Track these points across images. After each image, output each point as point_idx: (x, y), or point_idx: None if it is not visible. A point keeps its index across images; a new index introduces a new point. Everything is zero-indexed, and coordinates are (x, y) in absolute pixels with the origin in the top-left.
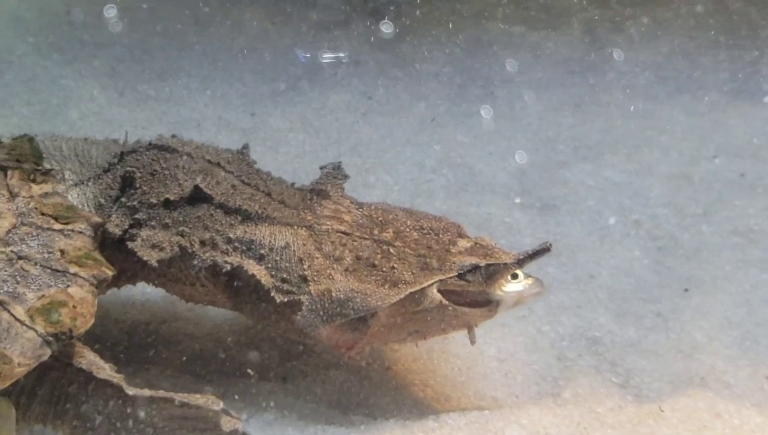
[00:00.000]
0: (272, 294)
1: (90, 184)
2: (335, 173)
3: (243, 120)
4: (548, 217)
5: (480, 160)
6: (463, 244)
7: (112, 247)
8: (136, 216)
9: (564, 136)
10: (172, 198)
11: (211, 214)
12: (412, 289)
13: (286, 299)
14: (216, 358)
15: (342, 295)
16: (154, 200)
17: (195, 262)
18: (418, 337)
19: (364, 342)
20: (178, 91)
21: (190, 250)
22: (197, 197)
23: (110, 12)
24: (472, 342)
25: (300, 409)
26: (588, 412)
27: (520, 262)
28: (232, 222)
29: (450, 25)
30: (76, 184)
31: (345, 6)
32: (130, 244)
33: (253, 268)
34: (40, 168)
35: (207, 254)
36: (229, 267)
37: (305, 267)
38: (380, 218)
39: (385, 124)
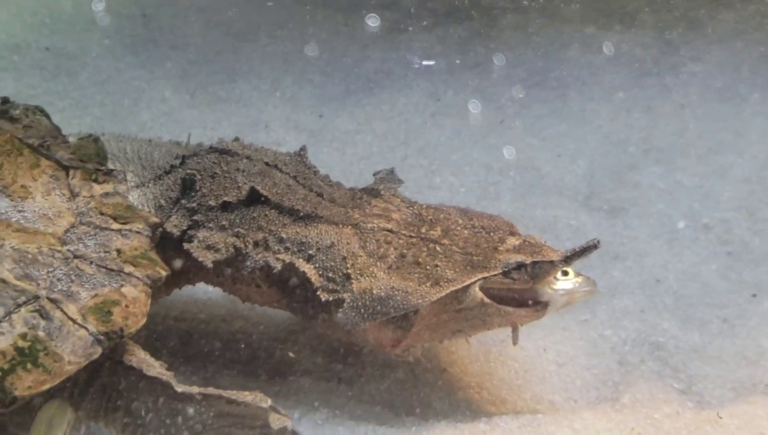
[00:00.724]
0: (319, 293)
1: (150, 185)
2: (389, 178)
3: (311, 121)
4: (616, 220)
5: (548, 163)
6: (511, 241)
7: (173, 248)
8: (195, 217)
9: (635, 139)
10: (230, 200)
11: (266, 215)
12: (454, 288)
13: (331, 298)
14: (272, 357)
15: (383, 293)
16: (212, 202)
17: (248, 262)
18: (461, 335)
19: (409, 340)
20: (248, 92)
21: (244, 251)
22: (253, 199)
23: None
24: (515, 342)
25: (352, 410)
26: (644, 418)
27: (568, 260)
28: (285, 222)
29: (522, 28)
30: (137, 186)
31: (417, 8)
32: (186, 246)
33: (303, 266)
34: (102, 168)
35: (260, 255)
36: (280, 266)
37: (348, 265)
38: (430, 217)
39: (454, 126)
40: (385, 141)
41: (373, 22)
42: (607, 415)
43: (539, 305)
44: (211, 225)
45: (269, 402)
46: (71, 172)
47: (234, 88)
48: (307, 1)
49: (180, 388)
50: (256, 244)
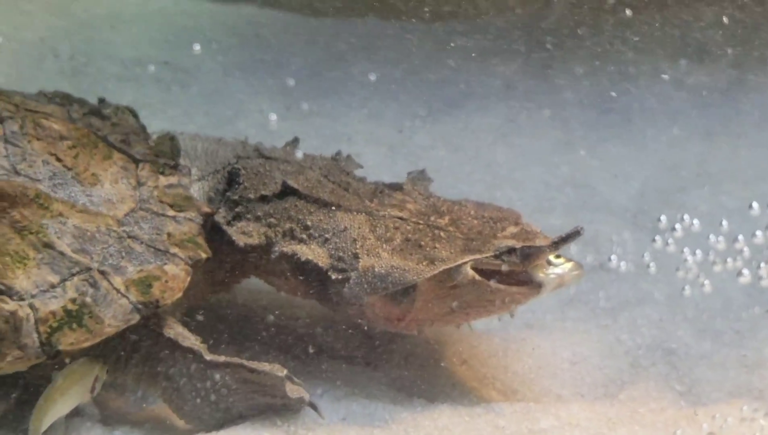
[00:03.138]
0: (329, 273)
1: (208, 179)
2: (420, 177)
3: (391, 136)
4: (656, 237)
5: (603, 182)
6: (510, 229)
7: (228, 244)
8: (237, 209)
9: (689, 163)
10: (266, 193)
11: (295, 205)
12: (446, 266)
13: (340, 277)
14: (304, 342)
15: (383, 270)
16: (251, 195)
17: (275, 249)
18: (463, 314)
19: (413, 315)
20: (338, 108)
21: (273, 240)
22: (286, 192)
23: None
24: (512, 315)
25: (369, 390)
26: (627, 411)
27: (555, 245)
28: (311, 210)
29: (596, 57)
30: (198, 179)
31: (501, 37)
32: (227, 229)
33: (316, 250)
34: (170, 163)
35: (286, 243)
36: (290, 252)
37: (357, 246)
38: (443, 208)
39: (522, 145)
40: (455, 156)
41: None
42: (593, 407)
43: (533, 285)
44: (248, 215)
45: (285, 372)
46: (140, 164)
47: (325, 103)
48: (400, 27)
49: (209, 357)
50: (284, 234)
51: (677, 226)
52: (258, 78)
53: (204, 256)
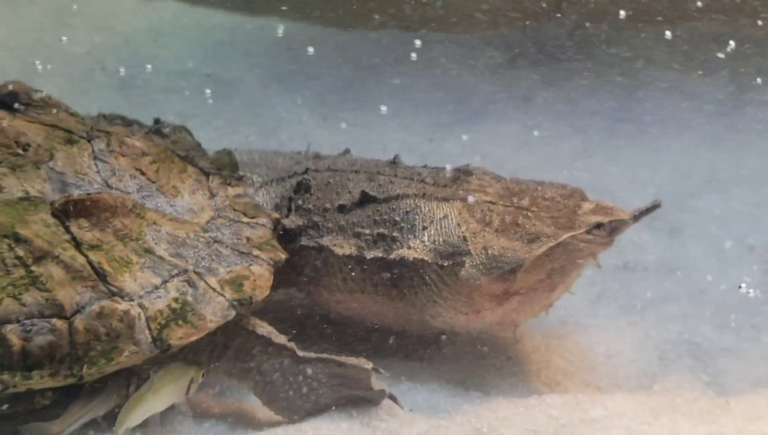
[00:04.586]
0: (437, 261)
1: (273, 185)
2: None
3: (422, 145)
4: (673, 239)
5: (622, 187)
6: (587, 206)
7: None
8: (314, 219)
9: (699, 170)
10: (344, 203)
11: (378, 210)
12: (553, 243)
13: (450, 262)
14: (370, 341)
15: (497, 252)
16: (328, 205)
17: (368, 255)
18: (550, 281)
19: (514, 289)
20: (372, 118)
21: (364, 248)
22: (365, 201)
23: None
24: (599, 265)
25: (430, 384)
26: (666, 401)
27: (636, 218)
28: (395, 207)
29: (613, 67)
30: (261, 186)
31: (522, 48)
32: (322, 240)
33: (414, 244)
34: (235, 175)
35: (376, 248)
36: (396, 257)
37: (463, 230)
38: (516, 189)
39: (544, 153)
40: (484, 163)
41: None
42: (635, 398)
43: (609, 239)
44: (330, 225)
45: (371, 365)
46: (211, 177)
47: (360, 114)
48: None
49: (301, 353)
50: (375, 241)
51: (692, 229)
52: (295, 90)
53: (283, 257)
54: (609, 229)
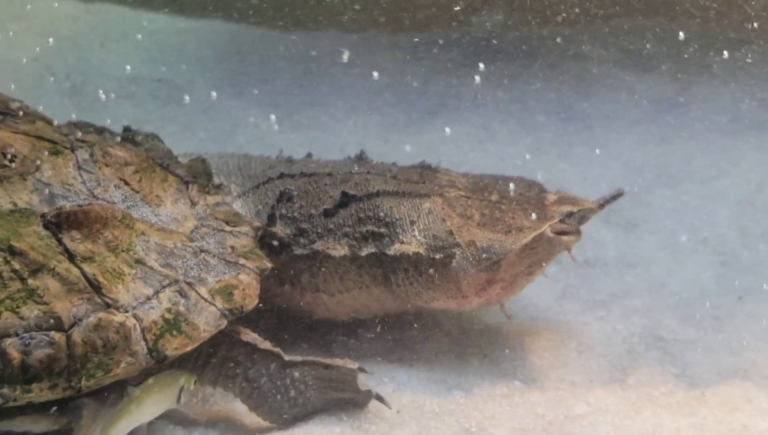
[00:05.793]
0: (429, 254)
1: (250, 194)
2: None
3: (379, 145)
4: (630, 234)
5: (575, 184)
6: (551, 197)
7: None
8: (302, 226)
9: (649, 166)
10: (328, 207)
11: (361, 208)
12: (536, 233)
13: (441, 255)
14: (347, 345)
15: (485, 244)
16: (313, 211)
17: (363, 252)
18: (531, 269)
19: (499, 278)
20: (326, 120)
21: (357, 247)
22: (346, 201)
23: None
24: (574, 259)
25: (413, 385)
26: (644, 395)
27: (601, 206)
28: (378, 204)
29: (557, 68)
30: (239, 196)
31: (471, 50)
32: (297, 250)
33: (408, 238)
34: (213, 183)
35: (370, 244)
36: (393, 252)
37: (448, 225)
38: (482, 184)
39: (498, 152)
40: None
41: None
42: (614, 392)
43: (577, 234)
44: (319, 230)
45: (357, 365)
46: (190, 186)
47: (314, 116)
48: (374, 45)
49: (287, 357)
50: (364, 238)
51: (647, 223)
52: (248, 93)
53: (269, 265)
54: (579, 218)
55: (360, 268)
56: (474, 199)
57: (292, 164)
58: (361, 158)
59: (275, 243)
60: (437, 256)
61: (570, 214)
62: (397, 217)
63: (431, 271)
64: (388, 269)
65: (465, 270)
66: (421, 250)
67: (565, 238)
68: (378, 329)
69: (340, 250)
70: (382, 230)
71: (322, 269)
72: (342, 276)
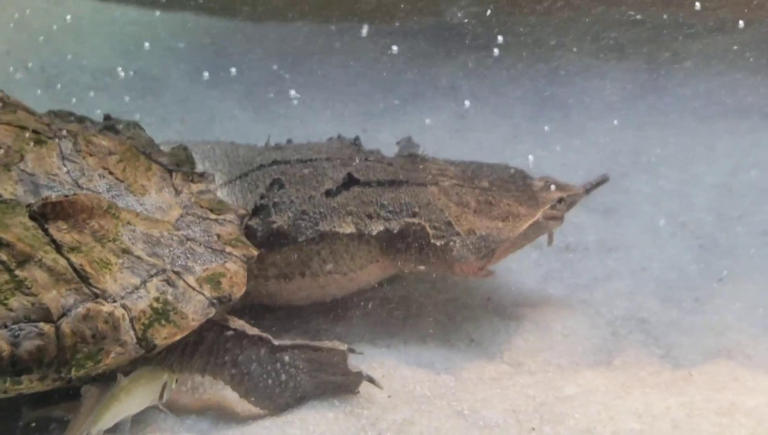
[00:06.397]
0: (433, 240)
1: (238, 181)
2: (410, 144)
3: (357, 135)
4: (609, 219)
5: (554, 171)
6: (538, 183)
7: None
8: (303, 207)
9: (626, 151)
10: (330, 187)
11: (363, 192)
12: (532, 220)
13: (442, 242)
14: (336, 333)
15: (484, 232)
16: (313, 193)
17: (371, 229)
18: (518, 246)
19: (494, 260)
20: (304, 110)
21: (362, 224)
22: (350, 183)
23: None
24: (550, 243)
25: (402, 370)
26: (632, 376)
27: (588, 191)
28: (380, 192)
29: (532, 57)
30: (225, 184)
31: (444, 40)
32: (323, 225)
33: (418, 221)
34: (196, 172)
35: (377, 223)
36: (398, 227)
37: (446, 214)
38: (469, 171)
39: (476, 140)
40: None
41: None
42: (602, 373)
43: (561, 217)
44: (322, 210)
45: (346, 346)
46: (173, 174)
47: (290, 106)
48: (349, 34)
49: (277, 342)
50: (369, 217)
51: (626, 208)
52: (224, 84)
53: (255, 253)
54: (568, 202)
55: (368, 243)
56: (466, 187)
57: (283, 150)
58: (355, 144)
59: (274, 238)
60: (438, 244)
61: (560, 200)
62: (399, 207)
63: (431, 252)
64: (396, 241)
65: (465, 258)
66: (429, 232)
67: (552, 222)
68: (365, 316)
69: (346, 228)
70: (386, 214)
71: (332, 250)
72: (353, 254)
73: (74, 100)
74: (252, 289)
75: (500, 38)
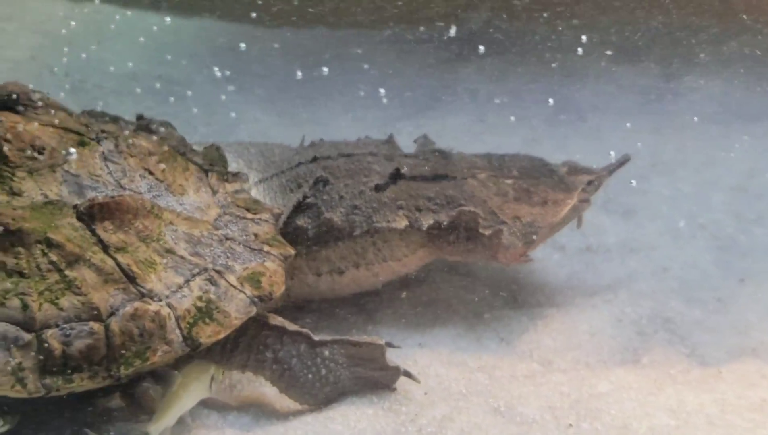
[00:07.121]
0: (481, 230)
1: (274, 179)
2: (426, 141)
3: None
4: (629, 221)
5: None
6: (563, 169)
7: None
8: (354, 202)
9: (644, 154)
10: (379, 182)
11: (409, 186)
12: (572, 204)
13: (490, 232)
14: (367, 332)
15: (530, 219)
16: (363, 187)
17: (422, 222)
18: (555, 231)
19: (532, 249)
20: (325, 114)
21: (413, 218)
22: (397, 177)
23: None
24: (580, 225)
25: (436, 368)
26: (662, 373)
27: (611, 172)
28: (425, 186)
29: (548, 61)
30: (261, 181)
31: (461, 44)
32: (379, 222)
33: (473, 209)
34: (230, 171)
35: (427, 216)
36: (448, 219)
37: (489, 205)
38: (496, 163)
39: (495, 142)
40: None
41: None
42: (633, 371)
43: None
44: (375, 204)
45: (384, 341)
46: (209, 174)
47: (314, 110)
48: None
49: (317, 337)
50: (418, 210)
51: (645, 210)
52: (247, 89)
53: (293, 252)
54: (596, 185)
55: (419, 229)
56: (500, 177)
57: (320, 147)
58: (389, 141)
59: (327, 234)
60: (487, 233)
61: (590, 183)
62: (445, 200)
63: (478, 241)
64: (444, 232)
65: (513, 245)
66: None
67: (584, 204)
68: (395, 317)
69: (400, 222)
70: (434, 207)
71: (386, 239)
72: (407, 241)
73: (100, 104)
74: (298, 287)
75: (517, 44)
